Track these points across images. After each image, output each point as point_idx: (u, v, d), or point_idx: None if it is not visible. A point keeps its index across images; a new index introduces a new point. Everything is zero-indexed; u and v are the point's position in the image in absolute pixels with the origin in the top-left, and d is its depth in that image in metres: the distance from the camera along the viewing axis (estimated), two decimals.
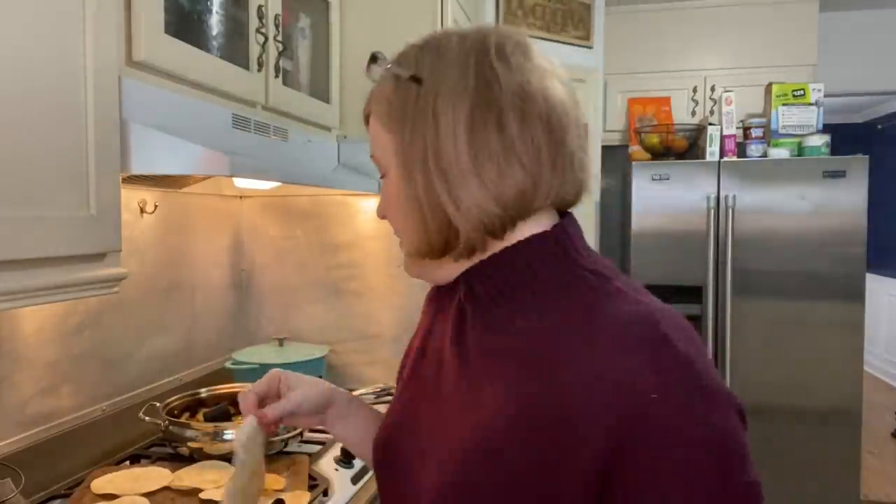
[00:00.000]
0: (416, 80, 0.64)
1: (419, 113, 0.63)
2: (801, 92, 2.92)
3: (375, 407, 0.92)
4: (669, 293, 2.90)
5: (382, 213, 0.72)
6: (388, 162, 0.67)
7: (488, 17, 2.82)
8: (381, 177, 0.70)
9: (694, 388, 0.54)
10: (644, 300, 0.61)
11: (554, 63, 0.68)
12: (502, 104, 0.62)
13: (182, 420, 1.50)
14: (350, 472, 1.45)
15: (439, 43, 0.66)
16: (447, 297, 0.73)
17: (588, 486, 0.53)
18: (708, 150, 2.95)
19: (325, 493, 1.33)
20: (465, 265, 0.67)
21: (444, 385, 0.69)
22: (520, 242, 0.65)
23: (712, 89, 3.47)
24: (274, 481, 1.32)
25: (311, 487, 1.31)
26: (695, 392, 0.53)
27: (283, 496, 1.23)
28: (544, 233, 0.65)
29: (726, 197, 2.84)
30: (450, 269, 0.68)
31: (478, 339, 0.66)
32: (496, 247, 0.65)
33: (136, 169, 1.08)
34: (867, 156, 2.75)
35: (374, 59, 0.69)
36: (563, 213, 0.69)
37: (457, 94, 0.62)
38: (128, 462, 1.49)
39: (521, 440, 0.57)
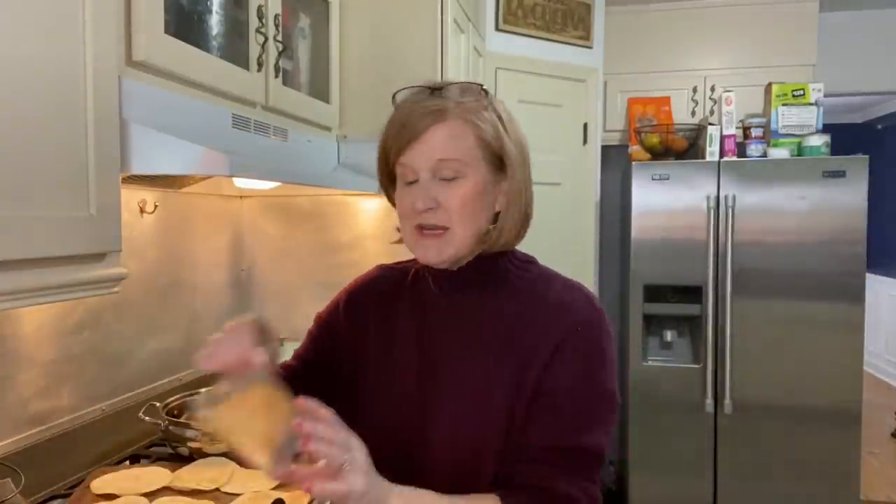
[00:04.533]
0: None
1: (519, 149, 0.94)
2: (801, 92, 2.92)
3: None
4: (669, 293, 2.90)
5: (438, 204, 0.89)
6: (470, 169, 0.89)
7: (488, 17, 2.81)
8: (452, 179, 0.88)
9: (605, 322, 0.94)
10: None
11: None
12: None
13: (182, 420, 1.50)
14: None
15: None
16: (395, 299, 1.02)
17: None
18: (708, 150, 2.95)
19: None
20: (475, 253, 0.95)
21: (429, 360, 0.96)
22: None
23: (712, 89, 3.46)
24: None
25: None
26: (604, 323, 0.94)
27: (283, 496, 1.23)
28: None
29: (726, 197, 2.84)
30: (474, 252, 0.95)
31: (452, 316, 0.97)
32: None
33: (136, 169, 1.08)
34: (867, 156, 2.75)
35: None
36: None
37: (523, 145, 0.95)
38: (128, 462, 1.49)
39: (504, 360, 0.92)
